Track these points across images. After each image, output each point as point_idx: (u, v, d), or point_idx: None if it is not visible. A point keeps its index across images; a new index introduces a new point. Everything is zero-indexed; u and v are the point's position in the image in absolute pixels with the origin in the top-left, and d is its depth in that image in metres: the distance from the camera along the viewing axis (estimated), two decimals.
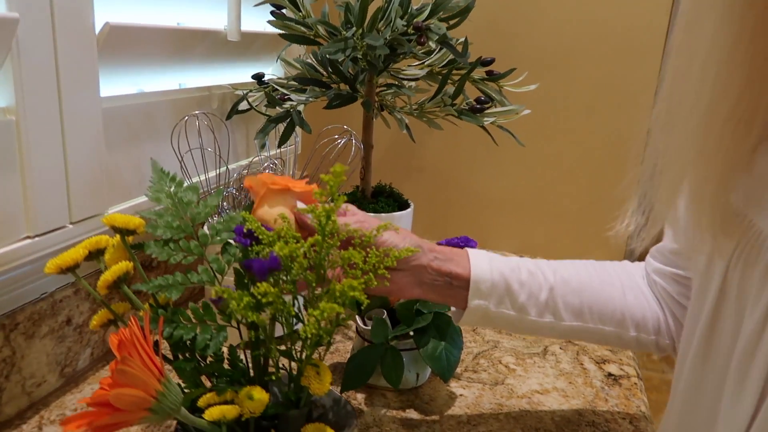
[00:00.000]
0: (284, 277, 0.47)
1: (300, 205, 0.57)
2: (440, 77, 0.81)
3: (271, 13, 0.77)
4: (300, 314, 0.49)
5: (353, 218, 0.57)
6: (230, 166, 0.82)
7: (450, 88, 0.81)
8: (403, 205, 0.91)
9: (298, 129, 0.80)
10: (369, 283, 0.46)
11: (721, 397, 0.44)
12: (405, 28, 0.71)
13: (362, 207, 0.85)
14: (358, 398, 0.70)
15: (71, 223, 0.63)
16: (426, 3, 0.78)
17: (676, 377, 0.53)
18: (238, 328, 0.51)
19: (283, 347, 0.50)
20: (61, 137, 0.59)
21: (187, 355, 0.51)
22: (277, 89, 0.79)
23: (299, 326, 0.47)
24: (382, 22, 0.74)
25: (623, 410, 0.72)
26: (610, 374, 0.80)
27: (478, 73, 0.84)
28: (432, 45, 0.77)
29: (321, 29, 0.74)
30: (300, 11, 0.74)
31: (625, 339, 0.62)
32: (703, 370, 0.47)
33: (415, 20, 0.70)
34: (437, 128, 0.86)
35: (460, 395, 0.72)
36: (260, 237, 0.48)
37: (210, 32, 0.77)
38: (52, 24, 0.55)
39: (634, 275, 0.66)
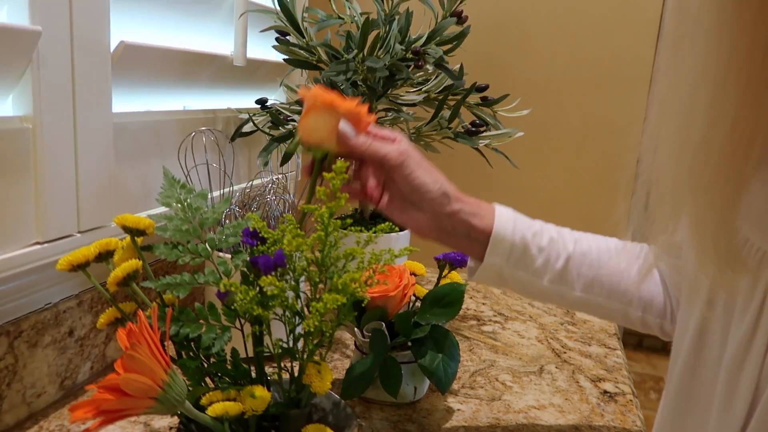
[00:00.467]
0: (289, 274, 0.49)
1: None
2: (437, 102, 0.85)
3: (276, 39, 0.80)
4: (302, 312, 0.50)
5: (396, 147, 0.57)
6: (232, 188, 0.84)
7: (446, 113, 0.84)
8: (401, 227, 0.93)
9: (297, 152, 0.83)
10: (369, 281, 0.48)
11: (711, 406, 0.44)
12: (404, 53, 0.75)
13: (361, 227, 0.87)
14: (356, 412, 0.70)
15: (79, 232, 0.65)
16: (423, 32, 0.83)
17: (667, 383, 0.53)
18: (242, 329, 0.53)
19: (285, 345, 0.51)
20: (73, 147, 0.61)
21: (191, 354, 0.52)
22: (281, 111, 0.82)
23: (300, 329, 0.48)
24: (381, 49, 0.78)
25: (619, 425, 0.72)
26: (605, 392, 0.80)
27: (473, 98, 0.88)
28: (429, 69, 0.81)
29: (323, 53, 0.78)
30: (304, 37, 0.78)
31: (631, 317, 0.62)
32: (692, 379, 0.47)
33: (413, 45, 0.74)
34: (434, 151, 0.89)
35: (458, 410, 0.73)
36: (266, 237, 0.50)
37: (217, 57, 0.81)
38: (71, 39, 0.58)
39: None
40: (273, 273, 0.47)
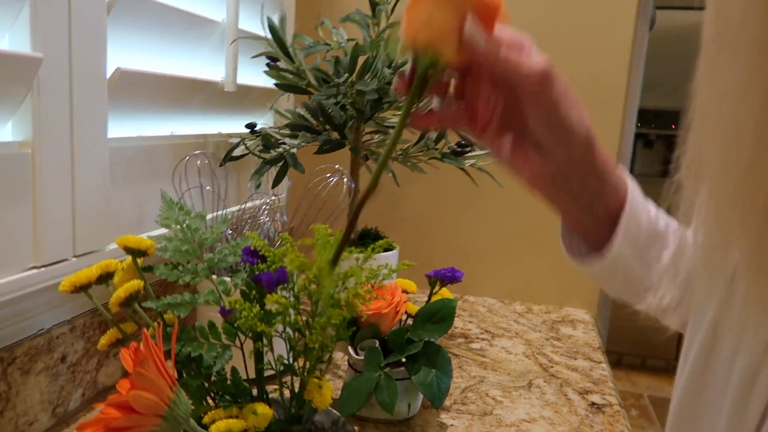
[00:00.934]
0: (289, 291, 0.50)
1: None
2: None
3: (267, 64, 0.82)
4: (303, 329, 0.51)
5: (537, 63, 0.43)
6: (225, 211, 0.85)
7: (432, 134, 0.87)
8: (387, 248, 0.94)
9: (287, 176, 0.84)
10: (369, 296, 0.49)
11: (720, 417, 0.41)
12: (392, 77, 0.77)
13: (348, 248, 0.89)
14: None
15: (74, 257, 0.65)
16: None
17: (674, 392, 0.49)
18: (242, 348, 0.54)
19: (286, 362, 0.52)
20: (71, 172, 0.62)
21: (191, 373, 0.53)
22: (271, 135, 0.83)
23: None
24: (369, 74, 0.81)
25: None
26: (593, 403, 0.82)
27: None
28: None
29: (312, 78, 0.80)
30: (294, 63, 0.81)
31: None
32: (701, 389, 0.44)
33: (400, 69, 0.77)
34: (420, 172, 0.91)
35: (451, 425, 0.74)
36: (266, 255, 0.51)
37: (209, 83, 0.83)
38: (70, 65, 0.60)
39: None
40: (275, 290, 0.48)
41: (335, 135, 0.86)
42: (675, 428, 0.45)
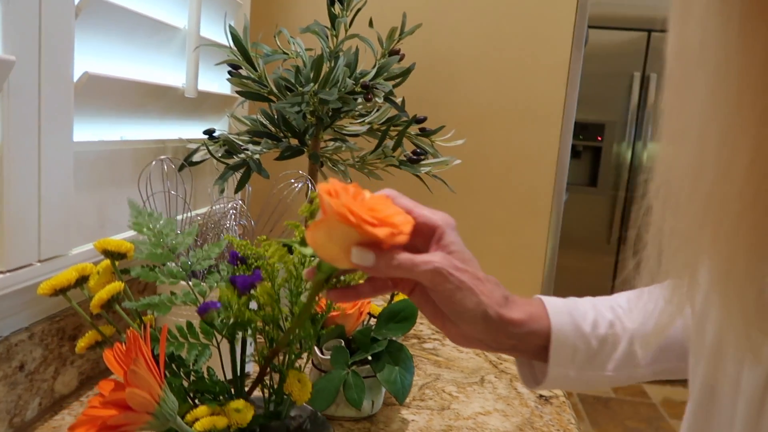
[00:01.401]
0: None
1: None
2: (379, 133, 0.91)
3: (229, 72, 0.84)
4: (283, 325, 0.54)
5: (430, 262, 0.46)
6: (186, 215, 0.85)
7: (389, 142, 0.90)
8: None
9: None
10: None
11: None
12: (354, 87, 0.80)
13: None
14: None
15: (39, 261, 0.64)
16: (365, 69, 0.89)
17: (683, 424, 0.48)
18: (218, 347, 0.55)
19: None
20: (37, 176, 0.62)
21: (172, 372, 0.54)
22: (234, 141, 0.85)
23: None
24: (330, 82, 0.83)
25: (557, 424, 0.80)
26: (541, 396, 0.88)
27: (413, 129, 0.95)
28: (378, 101, 0.87)
29: (273, 86, 0.82)
30: (256, 71, 0.82)
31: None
32: (707, 420, 0.42)
33: (362, 80, 0.80)
34: (377, 179, 0.94)
35: (412, 420, 0.77)
36: (249, 261, 0.53)
37: (171, 88, 0.83)
38: (39, 68, 0.59)
39: None
40: (250, 292, 0.51)
41: (295, 142, 0.88)
42: None
